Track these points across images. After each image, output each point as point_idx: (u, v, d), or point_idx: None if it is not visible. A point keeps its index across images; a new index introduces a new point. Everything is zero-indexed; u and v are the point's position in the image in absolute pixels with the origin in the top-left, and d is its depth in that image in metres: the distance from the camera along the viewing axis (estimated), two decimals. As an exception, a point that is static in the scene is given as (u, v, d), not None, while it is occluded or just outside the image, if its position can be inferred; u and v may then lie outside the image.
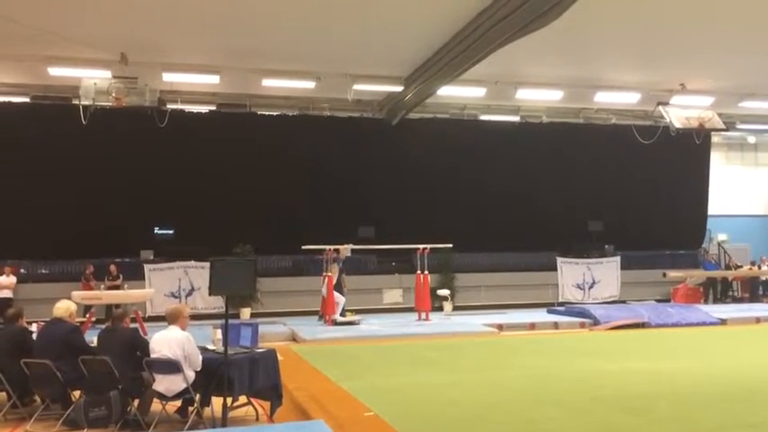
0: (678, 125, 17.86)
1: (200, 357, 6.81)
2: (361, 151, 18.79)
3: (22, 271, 16.61)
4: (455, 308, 17.99)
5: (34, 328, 8.10)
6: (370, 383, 8.47)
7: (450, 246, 16.50)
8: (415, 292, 16.48)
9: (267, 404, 7.25)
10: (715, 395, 7.65)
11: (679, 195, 21.36)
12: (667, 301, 19.47)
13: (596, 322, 15.25)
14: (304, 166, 18.32)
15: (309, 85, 16.70)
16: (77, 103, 14.98)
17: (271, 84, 16.64)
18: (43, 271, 17.11)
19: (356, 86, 16.41)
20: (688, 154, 20.83)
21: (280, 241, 17.41)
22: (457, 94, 17.72)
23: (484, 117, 20.17)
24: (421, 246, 15.77)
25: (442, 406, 7.26)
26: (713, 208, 22.31)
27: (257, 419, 7.17)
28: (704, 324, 15.29)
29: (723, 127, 18.70)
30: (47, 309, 7.74)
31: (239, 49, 14.63)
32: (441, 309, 17.61)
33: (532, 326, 15.31)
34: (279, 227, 17.73)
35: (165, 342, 6.71)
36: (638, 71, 16.69)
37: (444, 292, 17.81)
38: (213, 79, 16.19)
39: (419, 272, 15.93)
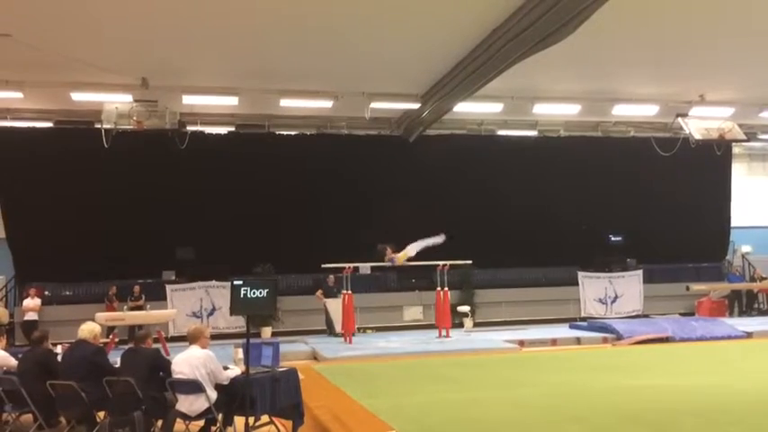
0: (698, 137, 17.70)
1: (228, 373, 6.85)
2: (380, 169, 18.85)
3: (47, 293, 16.81)
4: (476, 324, 17.90)
5: (59, 349, 8.19)
6: (391, 401, 8.44)
7: (470, 262, 16.46)
8: (435, 309, 16.43)
9: (289, 423, 7.26)
10: (742, 410, 7.51)
11: (701, 207, 21.11)
12: (691, 314, 19.18)
13: (619, 337, 15.07)
14: (323, 185, 18.43)
15: (327, 104, 16.86)
16: (99, 126, 15.24)
17: (288, 104, 16.82)
18: (67, 293, 17.32)
19: (373, 105, 16.52)
20: (709, 165, 20.61)
21: (300, 260, 17.48)
22: (474, 110, 17.78)
23: (501, 132, 20.17)
24: (440, 262, 15.74)
25: (463, 424, 7.21)
26: (736, 219, 22.01)
27: (279, 439, 7.19)
28: (729, 337, 15.03)
29: (744, 138, 18.49)
30: (71, 330, 7.85)
31: (257, 71, 14.83)
32: (461, 325, 17.51)
33: (554, 342, 15.18)
34: (299, 245, 17.80)
35: (187, 362, 6.76)
36: (656, 83, 16.61)
37: (465, 308, 17.73)
38: (232, 101, 16.41)
39: (439, 288, 15.90)
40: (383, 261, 14.95)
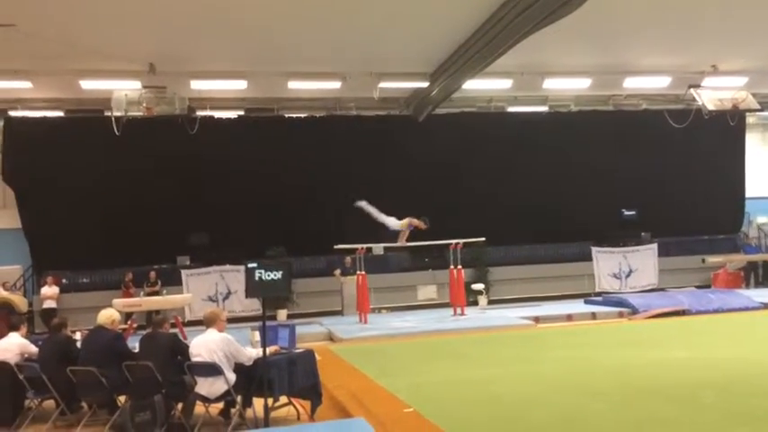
0: (711, 107, 17.49)
1: (249, 352, 6.90)
2: (390, 149, 18.79)
3: (64, 281, 17.00)
4: (490, 302, 17.92)
5: (78, 336, 8.27)
6: (408, 380, 8.48)
7: (483, 239, 16.42)
8: (449, 288, 16.44)
9: (307, 404, 7.32)
10: (761, 382, 7.49)
11: (715, 179, 20.89)
12: (707, 286, 19.08)
13: (635, 311, 15.02)
14: (333, 166, 18.39)
15: (335, 85, 16.78)
16: (110, 114, 15.29)
17: (297, 86, 16.77)
18: (84, 280, 17.50)
19: (382, 84, 16.43)
20: (723, 136, 20.37)
21: (312, 242, 17.53)
22: (483, 87, 17.64)
23: (511, 109, 20.02)
24: (453, 241, 15.73)
25: (481, 401, 7.23)
26: (751, 190, 21.77)
27: (299, 419, 7.25)
28: (746, 309, 14.95)
29: (758, 107, 18.25)
30: (90, 317, 7.92)
31: (265, 54, 14.76)
32: (476, 303, 17.53)
33: (569, 317, 15.16)
34: (311, 227, 17.84)
35: (204, 345, 6.80)
36: (667, 54, 16.38)
37: (479, 286, 17.73)
38: (240, 84, 16.38)
39: (453, 267, 15.89)
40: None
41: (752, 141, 22.17)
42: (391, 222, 14.66)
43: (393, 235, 15.63)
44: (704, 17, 13.86)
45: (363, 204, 14.68)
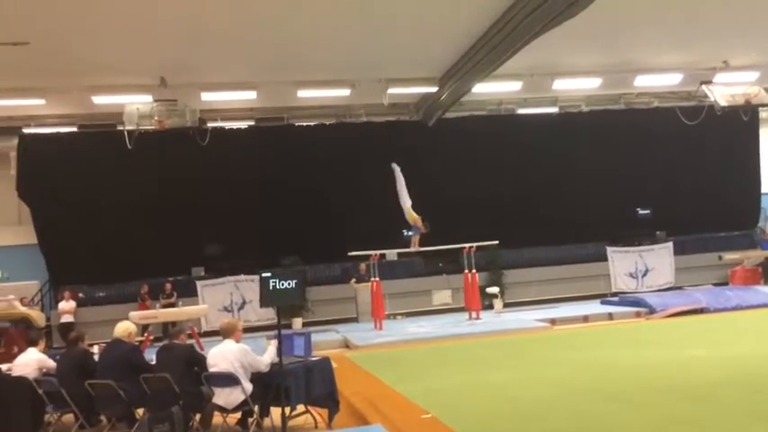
0: (723, 103, 17.34)
1: (264, 359, 6.90)
2: (400, 154, 18.73)
3: (81, 295, 17.12)
4: (505, 305, 17.82)
5: (96, 350, 8.33)
6: (425, 386, 8.46)
7: (497, 243, 16.36)
8: (464, 292, 16.39)
9: (325, 412, 7.31)
10: (783, 379, 7.40)
11: (730, 175, 20.71)
12: (725, 284, 18.90)
13: (652, 311, 14.91)
14: (345, 174, 18.41)
15: (344, 92, 16.82)
16: (122, 128, 15.42)
17: (306, 95, 16.82)
18: (101, 294, 17.61)
19: (391, 90, 16.44)
20: (736, 132, 20.22)
21: (326, 249, 17.57)
22: (492, 90, 17.59)
23: (521, 111, 19.94)
24: (467, 245, 15.68)
25: (499, 405, 7.20)
26: (767, 185, 21.58)
27: (316, 427, 7.24)
28: (766, 306, 14.78)
29: (771, 102, 18.09)
30: (106, 330, 7.97)
31: (273, 64, 14.83)
32: (491, 307, 17.44)
33: (586, 318, 15.07)
34: (325, 235, 17.87)
35: (222, 356, 6.83)
36: (677, 51, 16.26)
37: (494, 289, 17.65)
38: (250, 95, 16.46)
39: (467, 271, 15.85)
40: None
41: (766, 136, 21.95)
42: (406, 204, 15.05)
43: (406, 241, 15.66)
44: (713, 12, 13.75)
45: (397, 169, 15.19)
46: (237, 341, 6.99)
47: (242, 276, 17.13)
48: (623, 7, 12.86)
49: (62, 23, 11.84)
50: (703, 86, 17.64)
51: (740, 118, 18.74)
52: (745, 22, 14.43)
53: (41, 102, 15.70)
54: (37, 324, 15.62)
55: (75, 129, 17.69)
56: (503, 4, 12.30)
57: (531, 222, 18.86)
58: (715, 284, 18.91)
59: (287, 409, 6.77)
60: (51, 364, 7.92)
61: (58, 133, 17.63)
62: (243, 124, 18.72)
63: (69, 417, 7.77)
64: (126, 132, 15.21)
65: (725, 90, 17.48)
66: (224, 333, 7.07)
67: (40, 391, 7.57)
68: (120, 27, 12.15)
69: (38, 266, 17.69)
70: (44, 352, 8.33)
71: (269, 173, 18.12)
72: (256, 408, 6.89)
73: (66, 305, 16.26)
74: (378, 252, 15.59)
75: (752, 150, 21.25)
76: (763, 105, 18.44)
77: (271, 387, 6.79)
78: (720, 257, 18.82)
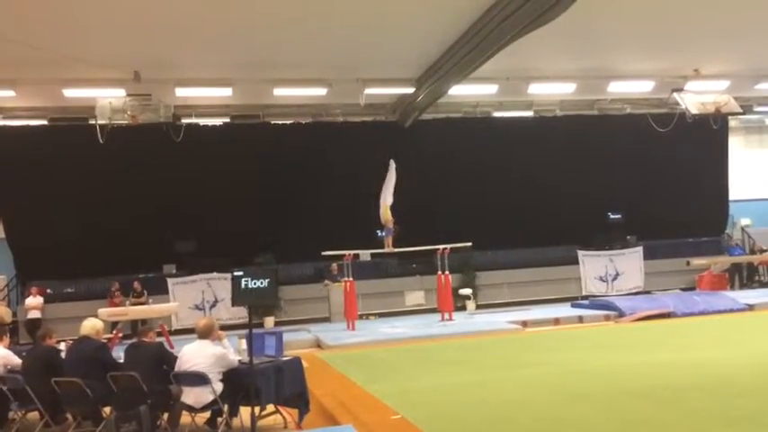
0: (694, 111, 17.68)
1: (231, 354, 6.93)
2: (376, 155, 18.73)
3: (49, 291, 16.83)
4: (478, 306, 17.95)
5: (63, 347, 8.19)
6: (396, 386, 8.47)
7: (470, 244, 16.43)
8: (437, 293, 16.45)
9: (295, 412, 7.27)
10: (747, 382, 7.54)
11: (699, 182, 21.08)
12: (693, 289, 19.24)
13: (621, 314, 15.10)
14: (320, 173, 18.36)
15: (321, 92, 16.78)
16: (94, 122, 15.19)
17: (282, 93, 16.75)
18: (69, 290, 17.32)
19: (368, 90, 16.44)
20: (706, 140, 20.57)
21: (300, 249, 17.50)
22: (469, 92, 17.70)
23: (497, 114, 20.10)
24: (440, 246, 15.74)
25: (470, 406, 7.23)
26: (735, 193, 22.01)
27: (285, 427, 7.21)
28: (731, 311, 15.10)
29: (740, 111, 18.50)
30: (75, 327, 7.82)
31: (250, 61, 14.74)
32: (464, 308, 17.56)
33: (557, 321, 15.22)
34: (298, 234, 17.81)
35: (201, 355, 6.76)
36: (650, 59, 16.53)
37: (466, 291, 17.76)
38: (225, 92, 16.33)
39: (440, 272, 15.91)
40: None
41: (734, 145, 22.39)
42: (387, 202, 15.14)
43: (380, 241, 15.66)
44: (686, 22, 14.00)
45: (393, 166, 15.29)
46: (217, 340, 6.95)
47: (214, 274, 16.96)
48: (598, 14, 13.04)
49: (34, 14, 11.62)
50: (675, 94, 17.96)
51: (710, 126, 19.08)
52: (716, 32, 14.72)
53: (11, 93, 15.41)
54: (3, 320, 15.33)
55: (45, 122, 17.41)
56: (480, 8, 12.39)
57: (505, 225, 18.99)
58: (683, 289, 19.23)
59: (257, 409, 6.73)
60: (16, 360, 7.78)
61: (27, 126, 17.32)
62: (218, 121, 18.58)
63: (34, 415, 7.62)
64: (98, 127, 14.99)
65: (696, 98, 17.82)
66: (201, 334, 6.98)
67: (5, 388, 7.43)
68: (94, 19, 11.99)
69: (5, 261, 17.38)
70: (10, 348, 8.18)
71: (243, 170, 17.99)
72: (225, 407, 6.84)
73: (34, 301, 15.97)
74: (351, 252, 15.57)
75: (721, 158, 21.66)
76: (733, 114, 18.84)
77: (241, 386, 6.75)
78: (688, 263, 19.10)
